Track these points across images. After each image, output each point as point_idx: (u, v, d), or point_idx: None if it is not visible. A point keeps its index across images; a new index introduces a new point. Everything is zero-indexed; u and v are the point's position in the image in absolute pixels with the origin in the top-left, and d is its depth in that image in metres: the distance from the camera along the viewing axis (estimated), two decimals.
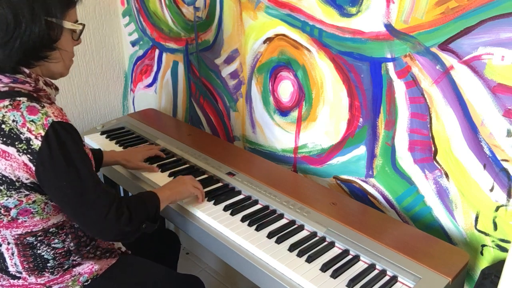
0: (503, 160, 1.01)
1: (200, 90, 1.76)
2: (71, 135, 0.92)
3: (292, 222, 1.16)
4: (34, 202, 0.94)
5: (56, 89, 1.03)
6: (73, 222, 1.04)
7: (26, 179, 0.91)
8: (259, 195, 1.25)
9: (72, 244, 1.04)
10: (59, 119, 0.91)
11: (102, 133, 1.67)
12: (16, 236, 0.98)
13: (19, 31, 0.90)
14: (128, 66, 2.10)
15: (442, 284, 0.94)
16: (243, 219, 1.15)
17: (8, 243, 0.99)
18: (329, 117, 1.33)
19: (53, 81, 1.03)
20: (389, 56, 1.13)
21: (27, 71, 0.95)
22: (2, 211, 0.93)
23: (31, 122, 0.89)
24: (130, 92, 2.15)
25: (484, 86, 0.99)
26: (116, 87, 2.13)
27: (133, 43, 2.01)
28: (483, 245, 1.10)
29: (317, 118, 1.37)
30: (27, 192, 0.92)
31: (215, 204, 1.22)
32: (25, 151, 0.88)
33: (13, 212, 0.94)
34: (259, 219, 1.16)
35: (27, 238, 0.98)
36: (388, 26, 1.11)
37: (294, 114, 1.43)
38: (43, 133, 0.88)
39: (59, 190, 0.92)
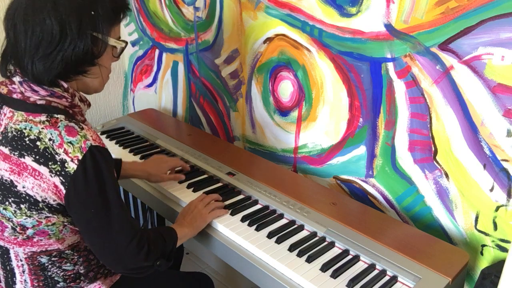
0: (503, 160, 1.01)
1: (200, 90, 1.76)
2: (106, 162, 0.90)
3: (292, 222, 1.16)
4: (53, 224, 0.91)
5: (89, 105, 1.01)
6: (87, 245, 1.00)
7: (54, 201, 0.88)
8: (259, 195, 1.25)
9: (82, 267, 1.01)
10: (97, 143, 0.89)
11: (102, 133, 1.67)
12: (29, 254, 0.95)
13: (63, 44, 0.87)
14: (128, 66, 2.10)
15: (442, 284, 0.94)
16: (243, 219, 1.15)
17: (20, 260, 0.96)
18: (329, 117, 1.33)
19: (87, 96, 1.01)
20: (389, 56, 1.13)
21: (65, 85, 0.92)
22: (18, 229, 0.91)
23: (69, 144, 0.86)
24: (130, 92, 2.15)
25: (484, 86, 0.99)
26: (116, 87, 2.13)
27: (133, 43, 2.01)
28: (483, 245, 1.10)
29: (317, 118, 1.37)
30: (49, 214, 0.89)
31: None
32: (58, 173, 0.85)
33: (29, 232, 0.91)
34: (259, 219, 1.16)
35: (40, 258, 0.96)
36: (388, 26, 1.11)
37: (294, 114, 1.43)
38: (80, 157, 0.85)
39: (84, 216, 0.89)
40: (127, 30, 2.01)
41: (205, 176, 1.37)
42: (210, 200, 1.18)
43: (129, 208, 1.88)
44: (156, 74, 1.95)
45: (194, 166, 1.42)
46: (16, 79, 0.91)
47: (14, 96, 0.90)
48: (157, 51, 1.89)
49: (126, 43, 0.99)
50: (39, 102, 0.89)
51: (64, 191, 0.86)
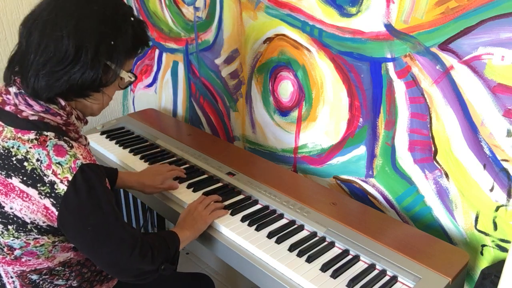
0: (503, 160, 1.01)
1: (200, 90, 1.76)
2: (98, 177, 0.86)
3: (292, 222, 1.16)
4: (42, 245, 0.88)
5: (86, 122, 0.98)
6: (79, 259, 0.98)
7: (43, 222, 0.85)
8: (259, 195, 1.25)
9: (75, 282, 0.99)
10: (88, 161, 0.85)
11: (102, 133, 1.67)
12: (18, 273, 0.92)
13: (73, 67, 0.84)
14: None
15: (442, 284, 0.94)
16: (243, 219, 1.15)
17: (11, 277, 0.94)
18: (329, 117, 1.33)
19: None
20: (389, 56, 1.13)
21: (62, 102, 0.89)
22: (5, 250, 0.88)
23: (57, 165, 0.82)
24: (130, 92, 2.15)
25: (484, 86, 0.99)
26: None
27: None
28: (483, 245, 1.10)
29: (317, 118, 1.37)
30: (37, 236, 0.86)
31: None
32: (48, 195, 0.82)
33: (17, 252, 0.88)
34: (259, 219, 1.16)
35: (30, 276, 0.93)
36: (388, 26, 1.11)
37: (294, 114, 1.43)
38: (70, 177, 0.82)
39: (81, 234, 0.87)
40: None
41: (205, 176, 1.37)
42: (210, 201, 1.17)
43: (129, 208, 1.88)
44: (156, 74, 1.95)
45: (194, 166, 1.42)
46: (12, 89, 0.87)
47: (7, 108, 0.87)
48: (157, 51, 1.89)
49: (136, 77, 0.97)
50: (31, 118, 0.86)
51: (56, 213, 0.83)
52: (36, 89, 0.85)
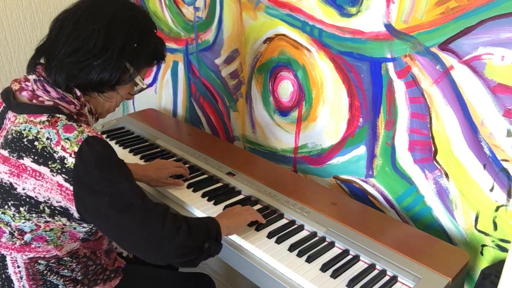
0: (503, 160, 1.01)
1: (200, 90, 1.76)
2: (105, 148, 0.87)
3: (292, 222, 1.16)
4: (51, 230, 0.89)
5: (97, 119, 1.00)
6: (86, 251, 0.98)
7: (57, 202, 0.85)
8: (259, 195, 1.25)
9: (79, 274, 0.99)
10: (94, 134, 0.87)
11: (102, 133, 1.67)
12: (27, 261, 0.93)
13: (97, 60, 0.89)
14: None
15: (442, 284, 0.94)
16: None
17: (18, 266, 0.93)
18: (329, 117, 1.33)
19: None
20: (389, 56, 1.13)
21: (78, 93, 0.92)
22: (16, 234, 0.89)
23: (66, 140, 0.84)
24: None
25: (484, 86, 0.99)
26: None
27: None
28: (483, 245, 1.10)
29: (317, 118, 1.37)
30: (48, 219, 0.87)
31: (215, 204, 1.22)
32: (59, 171, 0.83)
33: (27, 237, 0.89)
34: None
35: (38, 263, 0.93)
36: (388, 26, 1.11)
37: (294, 114, 1.43)
38: (76, 149, 0.83)
39: (101, 208, 0.85)
40: None
41: (205, 176, 1.37)
42: (250, 207, 1.16)
43: None
44: (156, 74, 1.95)
45: (194, 166, 1.42)
46: (32, 77, 0.91)
47: (23, 93, 0.89)
48: None
49: (147, 87, 1.01)
50: (46, 103, 0.88)
51: (71, 188, 0.83)
52: (57, 79, 0.89)
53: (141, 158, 1.47)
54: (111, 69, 0.90)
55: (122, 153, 1.52)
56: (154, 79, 1.97)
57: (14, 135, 0.86)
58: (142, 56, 0.95)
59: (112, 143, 1.59)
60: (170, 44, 1.81)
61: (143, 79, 1.00)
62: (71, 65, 0.88)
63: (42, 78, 0.90)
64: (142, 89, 1.01)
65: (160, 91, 1.97)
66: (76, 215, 0.88)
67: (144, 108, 1.97)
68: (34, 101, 0.89)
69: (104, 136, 1.64)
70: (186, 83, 1.82)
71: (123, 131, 1.70)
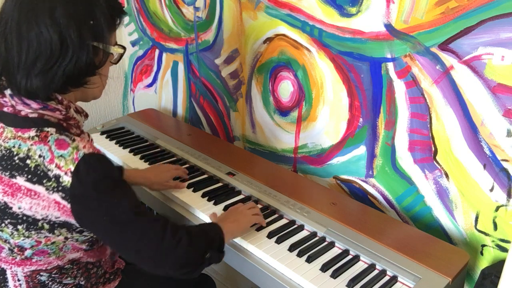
0: (503, 160, 1.01)
1: (200, 90, 1.76)
2: (103, 167, 0.85)
3: (292, 222, 1.16)
4: (53, 243, 0.87)
5: (86, 116, 0.97)
6: (89, 259, 0.97)
7: (56, 218, 0.83)
8: (259, 195, 1.25)
9: (82, 279, 0.98)
10: (91, 151, 0.83)
11: (102, 133, 1.67)
12: (28, 274, 0.91)
13: (64, 57, 0.82)
14: (128, 66, 2.10)
15: (442, 284, 0.94)
16: None
17: (18, 280, 0.91)
18: (329, 117, 1.33)
19: (83, 107, 0.97)
20: (389, 56, 1.13)
21: (59, 97, 0.87)
22: (16, 250, 0.87)
23: (59, 158, 0.81)
24: (130, 92, 2.15)
25: (484, 86, 0.99)
26: (116, 87, 2.13)
27: (133, 43, 2.01)
28: (483, 245, 1.10)
29: (317, 118, 1.37)
30: (48, 234, 0.85)
31: (215, 204, 1.22)
32: (55, 189, 0.81)
33: (28, 252, 0.87)
34: None
35: (40, 276, 0.91)
36: (388, 26, 1.11)
37: (294, 114, 1.43)
38: (72, 168, 0.80)
39: (100, 225, 0.84)
40: (127, 30, 2.01)
41: (205, 176, 1.37)
42: (254, 205, 1.15)
43: None
44: (156, 74, 1.95)
45: (194, 166, 1.42)
46: (7, 92, 0.87)
47: (5, 109, 0.86)
48: (157, 51, 1.89)
49: (125, 48, 0.96)
50: (30, 116, 0.85)
51: (69, 206, 0.82)
52: (31, 91, 0.84)
53: (141, 158, 1.47)
54: (82, 58, 0.84)
55: (122, 153, 1.52)
56: (154, 79, 1.97)
57: (3, 152, 0.84)
58: (102, 26, 0.87)
59: (112, 143, 1.59)
60: (170, 44, 1.81)
61: (117, 44, 0.94)
62: (41, 76, 0.83)
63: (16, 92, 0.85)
64: (122, 54, 0.96)
65: (160, 91, 1.97)
66: (76, 226, 0.86)
67: (144, 108, 1.97)
68: (18, 115, 0.85)
69: (104, 136, 1.64)
70: (186, 83, 1.82)
71: (123, 131, 1.70)
